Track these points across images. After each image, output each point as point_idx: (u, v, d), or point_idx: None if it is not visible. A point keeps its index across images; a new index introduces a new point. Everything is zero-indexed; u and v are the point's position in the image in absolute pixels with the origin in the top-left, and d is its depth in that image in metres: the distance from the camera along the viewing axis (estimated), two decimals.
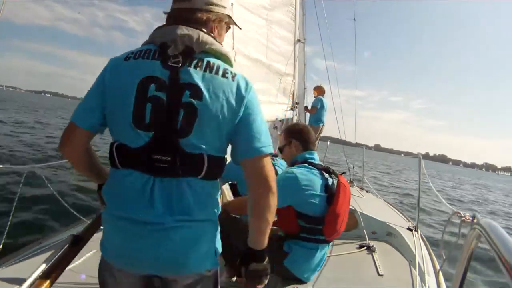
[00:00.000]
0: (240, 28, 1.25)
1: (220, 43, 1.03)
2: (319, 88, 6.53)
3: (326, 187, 1.81)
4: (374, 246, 2.43)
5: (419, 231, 2.79)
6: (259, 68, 3.16)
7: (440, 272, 2.19)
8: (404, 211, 3.89)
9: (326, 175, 1.87)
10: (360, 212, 2.81)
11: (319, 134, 6.43)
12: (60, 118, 25.47)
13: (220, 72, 0.95)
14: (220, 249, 1.04)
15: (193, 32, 0.96)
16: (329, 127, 6.63)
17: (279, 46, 3.65)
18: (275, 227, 1.71)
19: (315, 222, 1.78)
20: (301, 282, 1.82)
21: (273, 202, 0.98)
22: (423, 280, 1.96)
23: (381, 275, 2.02)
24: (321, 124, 6.36)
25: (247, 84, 0.99)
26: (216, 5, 1.04)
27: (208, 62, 0.96)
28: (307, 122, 6.12)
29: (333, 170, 1.92)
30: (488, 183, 42.77)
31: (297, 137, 1.98)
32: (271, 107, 3.53)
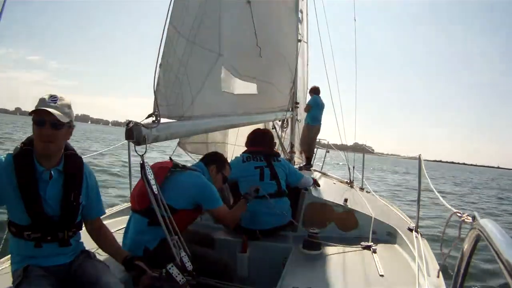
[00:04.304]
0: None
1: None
2: (313, 87, 6.57)
3: None
4: (374, 246, 2.43)
5: (419, 231, 2.79)
6: (262, 67, 3.15)
7: (440, 272, 2.19)
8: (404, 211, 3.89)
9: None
10: (360, 212, 2.81)
11: (316, 134, 6.40)
12: None
13: None
14: None
15: None
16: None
17: (284, 46, 3.65)
18: None
19: None
20: None
21: None
22: (423, 280, 1.95)
23: (381, 275, 2.02)
24: (317, 123, 6.34)
25: None
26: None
27: None
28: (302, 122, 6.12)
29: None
30: None
31: None
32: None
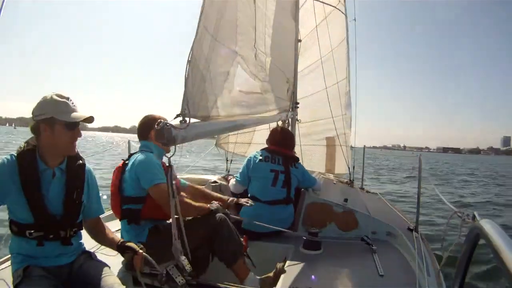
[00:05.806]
0: None
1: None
2: None
3: None
4: (374, 246, 2.43)
5: (419, 231, 2.79)
6: (264, 68, 3.14)
7: (440, 272, 2.19)
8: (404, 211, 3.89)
9: None
10: (360, 212, 2.81)
11: None
12: None
13: None
14: None
15: None
16: None
17: (286, 46, 3.65)
18: None
19: None
20: None
21: None
22: (423, 280, 1.95)
23: (381, 275, 2.02)
24: None
25: None
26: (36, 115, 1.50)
27: None
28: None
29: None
30: None
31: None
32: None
